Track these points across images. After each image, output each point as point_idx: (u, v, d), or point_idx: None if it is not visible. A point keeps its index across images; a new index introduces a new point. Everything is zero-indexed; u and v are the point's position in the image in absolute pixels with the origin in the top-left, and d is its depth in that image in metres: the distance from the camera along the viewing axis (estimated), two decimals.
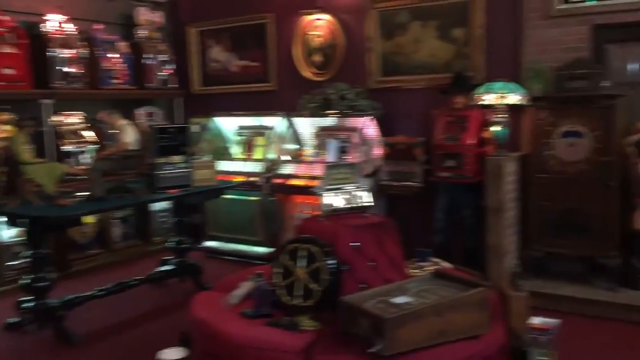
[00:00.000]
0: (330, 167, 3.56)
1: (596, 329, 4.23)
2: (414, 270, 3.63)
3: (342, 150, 5.51)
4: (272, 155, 5.89)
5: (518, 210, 4.91)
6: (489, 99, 4.60)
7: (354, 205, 3.48)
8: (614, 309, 4.35)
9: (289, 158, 5.85)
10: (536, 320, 3.26)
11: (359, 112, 5.52)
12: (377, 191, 5.49)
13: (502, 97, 4.56)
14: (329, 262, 3.07)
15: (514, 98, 4.57)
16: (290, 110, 5.99)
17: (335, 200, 3.46)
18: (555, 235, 4.77)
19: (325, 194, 3.45)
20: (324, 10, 6.09)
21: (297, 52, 6.31)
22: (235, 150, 6.46)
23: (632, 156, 4.55)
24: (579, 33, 4.93)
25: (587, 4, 4.86)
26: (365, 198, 3.52)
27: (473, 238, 5.03)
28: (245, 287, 3.38)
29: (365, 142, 5.43)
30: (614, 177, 4.54)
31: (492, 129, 4.72)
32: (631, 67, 4.82)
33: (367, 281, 3.19)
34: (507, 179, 4.71)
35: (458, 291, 2.99)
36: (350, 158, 5.39)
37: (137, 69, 6.51)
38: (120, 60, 6.32)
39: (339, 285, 3.07)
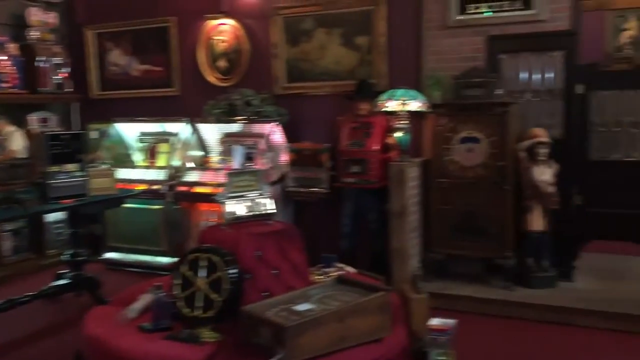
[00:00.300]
0: (233, 174, 3.49)
1: (493, 326, 4.40)
2: (319, 277, 3.62)
3: (248, 157, 5.44)
4: (176, 162, 5.72)
5: (420, 214, 5.05)
6: (391, 105, 4.71)
7: (257, 212, 3.43)
8: (509, 307, 4.55)
9: (193, 165, 5.71)
10: (435, 321, 3.34)
11: (265, 118, 5.48)
12: (284, 198, 5.48)
13: (403, 104, 4.68)
14: (230, 271, 3.00)
15: (414, 105, 4.70)
16: (194, 116, 5.85)
17: (237, 208, 3.39)
18: (455, 237, 4.93)
19: (227, 201, 3.38)
20: (228, 15, 6.00)
21: (202, 57, 6.19)
22: (137, 157, 6.23)
23: (524, 161, 4.79)
24: (475, 43, 5.13)
25: (482, 15, 5.07)
26: (269, 205, 3.48)
27: (379, 242, 5.10)
28: (143, 300, 3.25)
29: (271, 148, 5.39)
30: (508, 181, 4.76)
31: (396, 135, 4.83)
32: (523, 75, 5.07)
33: (269, 289, 3.15)
34: (410, 184, 4.83)
35: (360, 296, 3.00)
36: (256, 164, 5.33)
37: (29, 72, 6.13)
38: (10, 62, 5.94)
39: (240, 294, 3.00)
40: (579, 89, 4.91)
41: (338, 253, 5.08)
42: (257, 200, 3.45)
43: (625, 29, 8.34)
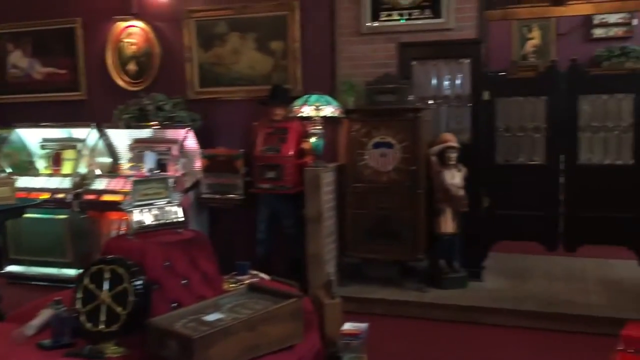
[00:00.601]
0: (139, 182, 3.36)
1: (406, 328, 4.48)
2: (232, 285, 3.55)
3: (160, 164, 5.28)
4: (83, 170, 5.47)
5: (336, 219, 5.07)
6: (306, 111, 4.70)
7: (166, 221, 3.31)
8: (422, 308, 4.65)
9: (101, 172, 5.47)
10: (347, 326, 3.34)
11: (178, 124, 5.34)
12: (198, 205, 5.36)
13: (317, 109, 4.69)
14: (136, 282, 2.87)
15: (328, 110, 4.72)
16: (103, 121, 5.62)
17: (145, 216, 3.26)
18: (370, 241, 4.99)
19: (133, 210, 3.24)
20: (138, 17, 5.82)
21: (110, 60, 5.97)
22: (40, 164, 5.90)
23: (435, 165, 4.91)
24: (387, 50, 5.23)
25: (394, 23, 5.17)
26: (178, 213, 3.37)
27: (295, 248, 5.08)
28: (43, 316, 3.05)
29: (184, 154, 5.26)
30: (420, 185, 4.86)
31: (311, 140, 4.83)
32: (433, 82, 5.20)
33: (179, 300, 3.04)
34: (325, 189, 4.84)
35: (272, 303, 2.95)
36: (169, 171, 5.18)
37: None
38: None
39: (147, 306, 2.88)
40: (486, 95, 5.10)
41: (254, 260, 5.06)
42: (165, 209, 3.34)
43: (530, 38, 8.79)
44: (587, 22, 8.50)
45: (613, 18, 8.36)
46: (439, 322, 4.54)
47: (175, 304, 3.01)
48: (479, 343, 4.20)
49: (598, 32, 8.52)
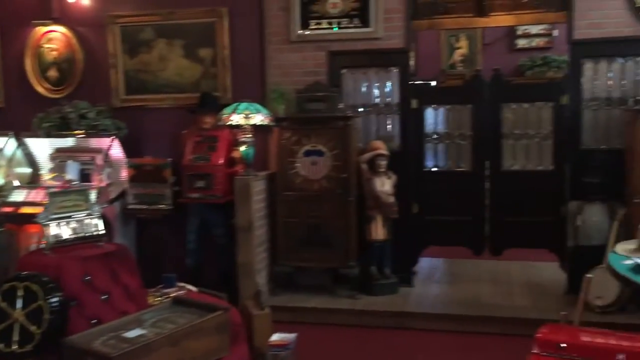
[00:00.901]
0: (55, 194, 3.23)
1: (338, 336, 4.48)
2: (158, 299, 3.45)
3: (84, 174, 5.08)
4: (0, 181, 5.20)
5: (267, 228, 5.03)
6: (235, 119, 4.65)
7: (85, 234, 3.20)
8: (354, 315, 4.66)
9: (20, 183, 5.22)
10: (275, 337, 3.32)
11: (102, 132, 5.16)
12: (125, 216, 5.20)
13: (247, 117, 4.64)
14: (52, 300, 2.76)
15: (258, 118, 4.68)
16: (21, 129, 5.36)
17: (62, 230, 3.13)
18: (302, 249, 4.97)
19: (50, 223, 3.11)
20: (59, 22, 5.60)
21: (30, 66, 5.71)
22: None
23: (366, 172, 4.95)
24: (317, 58, 5.24)
25: (324, 31, 5.19)
26: (99, 226, 3.26)
27: (226, 258, 5.01)
28: None
29: (109, 164, 5.09)
30: (351, 193, 4.89)
31: (241, 148, 4.77)
32: (363, 90, 5.26)
33: (99, 316, 2.95)
34: (256, 198, 4.80)
35: (197, 317, 2.90)
36: (93, 182, 5.00)
37: None
38: None
39: (63, 324, 2.77)
40: (414, 103, 5.19)
41: (184, 271, 4.96)
42: (85, 221, 3.22)
43: (457, 48, 9.04)
44: (511, 32, 8.82)
45: (535, 29, 8.71)
46: (370, 328, 4.56)
47: (94, 321, 2.92)
48: (408, 348, 4.25)
49: (521, 43, 8.85)
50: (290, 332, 3.77)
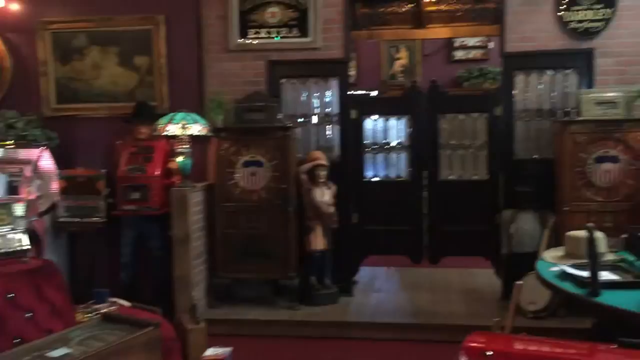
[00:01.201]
0: None
1: (277, 348, 4.43)
2: (87, 315, 3.33)
3: (12, 186, 4.86)
4: None
5: (206, 240, 4.95)
6: (171, 129, 4.56)
7: (8, 250, 3.05)
8: (293, 326, 4.63)
9: None
10: (210, 352, 3.25)
11: (32, 143, 4.96)
12: (56, 229, 5.01)
13: (184, 127, 4.56)
14: None
15: (196, 129, 4.60)
16: None
17: None
18: (241, 261, 4.92)
19: None
20: None
21: None
22: None
23: (305, 183, 4.94)
24: (256, 68, 5.20)
25: (263, 40, 5.16)
26: (23, 241, 3.11)
27: (162, 271, 4.89)
28: None
29: (39, 175, 4.87)
30: (291, 203, 4.87)
31: (178, 159, 4.68)
32: (302, 100, 5.25)
33: (22, 335, 2.81)
34: (193, 209, 4.71)
35: (127, 334, 2.80)
36: (21, 194, 4.78)
37: None
38: None
39: None
40: (353, 113, 5.23)
41: (119, 286, 4.82)
42: (8, 236, 3.07)
43: (398, 59, 9.19)
44: (449, 44, 9.02)
45: (472, 41, 8.94)
46: (310, 339, 4.54)
47: (17, 340, 2.78)
48: (349, 358, 4.25)
49: (459, 54, 9.07)
50: (228, 345, 3.71)
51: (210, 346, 3.62)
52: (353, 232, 5.20)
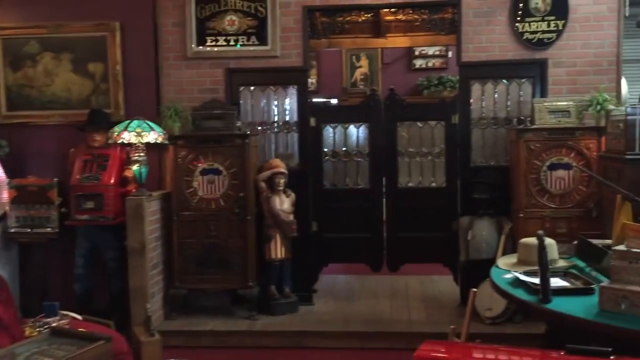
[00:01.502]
0: None
1: (234, 359, 4.37)
2: (37, 329, 3.21)
3: None
4: None
5: (163, 250, 4.86)
6: (126, 137, 4.48)
7: None
8: (252, 337, 4.58)
9: None
10: None
11: None
12: (6, 241, 4.86)
13: (139, 135, 4.48)
14: None
15: (151, 137, 4.53)
16: None
17: None
18: (199, 271, 4.85)
19: None
20: None
21: None
22: None
23: (264, 191, 4.91)
24: (214, 75, 5.15)
25: (221, 48, 5.11)
26: None
27: (117, 282, 4.79)
28: None
29: None
30: (249, 212, 4.82)
31: (133, 168, 4.60)
32: (261, 108, 5.22)
33: None
34: (149, 219, 4.63)
35: (76, 348, 2.72)
36: None
37: None
38: None
39: None
40: (312, 121, 5.23)
41: (72, 298, 4.69)
42: None
43: (359, 67, 9.25)
44: (409, 53, 9.13)
45: (431, 50, 9.08)
46: (269, 349, 4.50)
47: None
48: None
49: (419, 63, 9.19)
50: (184, 357, 3.65)
51: (165, 359, 3.55)
52: (313, 241, 5.19)
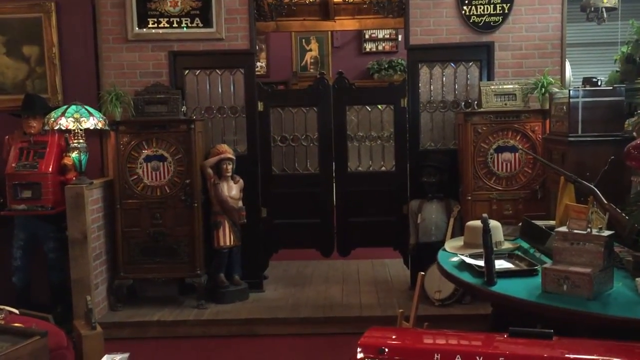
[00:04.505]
0: None
1: (182, 349, 4.28)
2: None
3: None
4: None
5: (106, 239, 4.70)
6: (64, 123, 4.29)
7: None
8: (200, 326, 4.49)
9: None
10: (105, 359, 3.06)
11: None
12: None
13: (77, 121, 4.30)
14: None
15: (91, 122, 4.36)
16: None
17: None
18: (145, 260, 4.73)
19: None
20: None
21: None
22: None
23: (211, 177, 4.80)
24: (157, 58, 4.98)
25: (163, 30, 4.94)
26: None
27: (59, 274, 4.63)
28: None
29: None
30: (196, 198, 4.70)
31: (72, 155, 4.41)
32: (207, 92, 5.08)
33: None
34: (91, 208, 4.47)
35: (10, 345, 2.60)
36: None
37: None
38: None
39: None
40: (260, 106, 5.12)
41: (11, 291, 4.51)
42: None
43: (308, 50, 9.16)
44: (359, 36, 9.09)
45: (381, 34, 9.06)
46: (219, 338, 4.43)
47: None
48: (257, 356, 4.16)
49: (369, 46, 9.15)
50: (128, 350, 3.52)
51: (108, 352, 3.42)
52: (262, 227, 5.12)
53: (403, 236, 5.09)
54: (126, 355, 3.13)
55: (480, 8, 4.87)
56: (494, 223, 2.94)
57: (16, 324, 3.01)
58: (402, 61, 8.49)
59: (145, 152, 4.70)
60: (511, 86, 4.68)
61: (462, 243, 3.18)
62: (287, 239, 5.31)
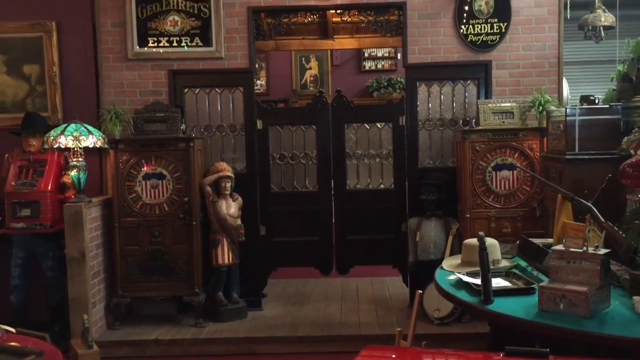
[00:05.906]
0: None
1: None
2: None
3: None
4: None
5: (104, 257, 4.70)
6: (63, 141, 4.31)
7: None
8: (198, 345, 4.47)
9: None
10: None
11: None
12: None
13: (77, 139, 4.32)
14: None
15: (90, 141, 4.38)
16: None
17: None
18: (143, 278, 4.71)
19: None
20: None
21: None
22: None
23: (210, 195, 4.80)
24: (157, 77, 5.02)
25: (163, 49, 4.98)
26: None
27: (57, 292, 4.62)
28: None
29: None
30: (195, 216, 4.70)
31: (71, 173, 4.43)
32: (207, 111, 5.10)
33: None
34: (90, 226, 4.47)
35: None
36: None
37: None
38: None
39: None
40: (259, 124, 5.15)
41: (9, 309, 4.50)
42: None
43: (308, 68, 9.21)
44: (358, 55, 9.15)
45: (380, 52, 9.12)
46: (217, 357, 4.40)
47: None
48: None
49: (368, 65, 9.21)
50: None
51: None
52: (261, 245, 5.11)
53: (402, 254, 5.08)
54: None
55: (478, 27, 4.91)
56: (490, 241, 2.94)
57: (12, 343, 2.99)
58: (401, 79, 8.52)
59: (144, 170, 4.71)
60: (509, 104, 4.70)
61: (459, 261, 3.17)
62: (286, 257, 5.31)
